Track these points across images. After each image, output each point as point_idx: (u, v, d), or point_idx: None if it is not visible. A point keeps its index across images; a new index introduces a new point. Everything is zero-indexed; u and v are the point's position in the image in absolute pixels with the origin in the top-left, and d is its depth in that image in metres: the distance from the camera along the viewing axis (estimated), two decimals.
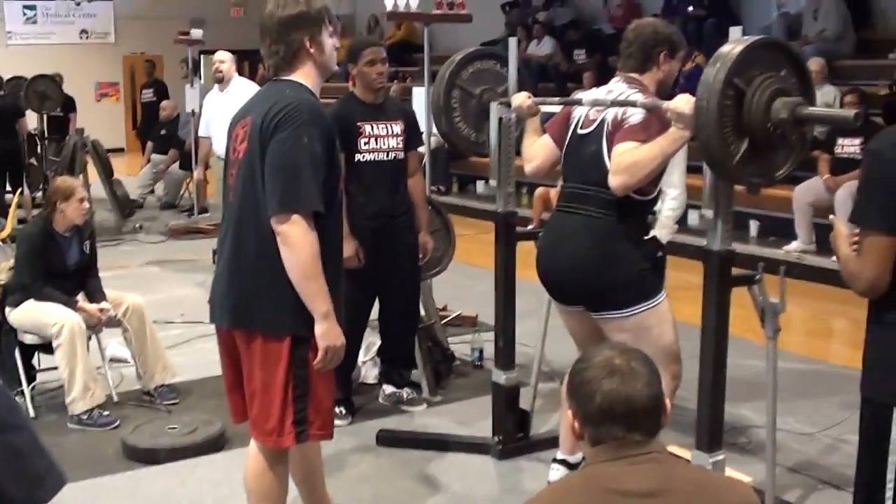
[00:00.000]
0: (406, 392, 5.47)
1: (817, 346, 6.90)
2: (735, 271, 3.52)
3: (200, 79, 12.81)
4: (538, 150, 4.18)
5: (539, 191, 10.14)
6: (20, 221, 9.37)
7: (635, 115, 3.70)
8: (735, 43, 3.18)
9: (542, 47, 15.01)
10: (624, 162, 3.60)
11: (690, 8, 12.81)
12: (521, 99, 4.28)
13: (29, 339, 5.34)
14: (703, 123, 3.15)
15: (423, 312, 5.88)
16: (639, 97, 3.77)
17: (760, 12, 12.57)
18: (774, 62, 3.24)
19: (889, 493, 2.70)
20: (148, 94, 16.58)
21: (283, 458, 3.43)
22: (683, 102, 3.39)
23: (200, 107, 12.29)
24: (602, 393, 2.06)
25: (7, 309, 5.34)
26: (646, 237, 3.93)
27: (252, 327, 3.25)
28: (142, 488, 4.46)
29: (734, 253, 3.47)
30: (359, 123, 5.10)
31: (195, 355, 6.36)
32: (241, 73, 20.72)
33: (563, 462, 4.26)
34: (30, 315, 5.25)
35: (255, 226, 3.19)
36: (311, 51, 3.28)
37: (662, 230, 5.16)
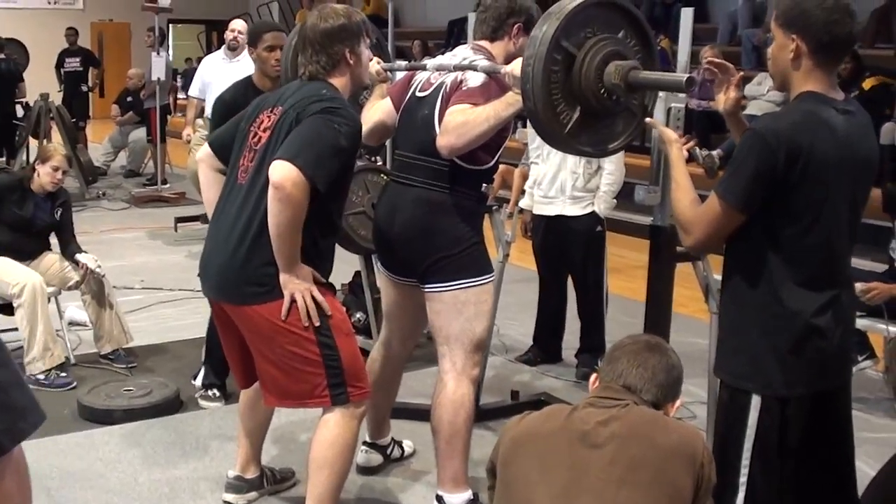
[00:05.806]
0: None
1: None
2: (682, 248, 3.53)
3: (168, 48, 12.70)
4: (373, 113, 3.94)
5: (503, 168, 10.16)
6: None
7: (474, 79, 3.56)
8: (567, 1, 2.95)
9: None
10: (453, 122, 3.45)
11: None
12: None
13: None
14: (529, 91, 2.94)
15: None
16: (483, 63, 3.60)
17: None
18: (611, 23, 3.06)
19: (743, 479, 2.71)
20: (73, 63, 14.85)
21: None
22: (521, 66, 3.13)
23: (168, 74, 12.28)
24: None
25: None
26: (477, 211, 3.79)
27: (274, 298, 3.29)
28: (96, 448, 4.52)
29: None
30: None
31: (153, 321, 6.44)
32: (209, 43, 20.44)
33: (372, 445, 4.33)
34: None
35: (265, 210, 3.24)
36: (351, 62, 3.42)
37: (601, 204, 5.34)
